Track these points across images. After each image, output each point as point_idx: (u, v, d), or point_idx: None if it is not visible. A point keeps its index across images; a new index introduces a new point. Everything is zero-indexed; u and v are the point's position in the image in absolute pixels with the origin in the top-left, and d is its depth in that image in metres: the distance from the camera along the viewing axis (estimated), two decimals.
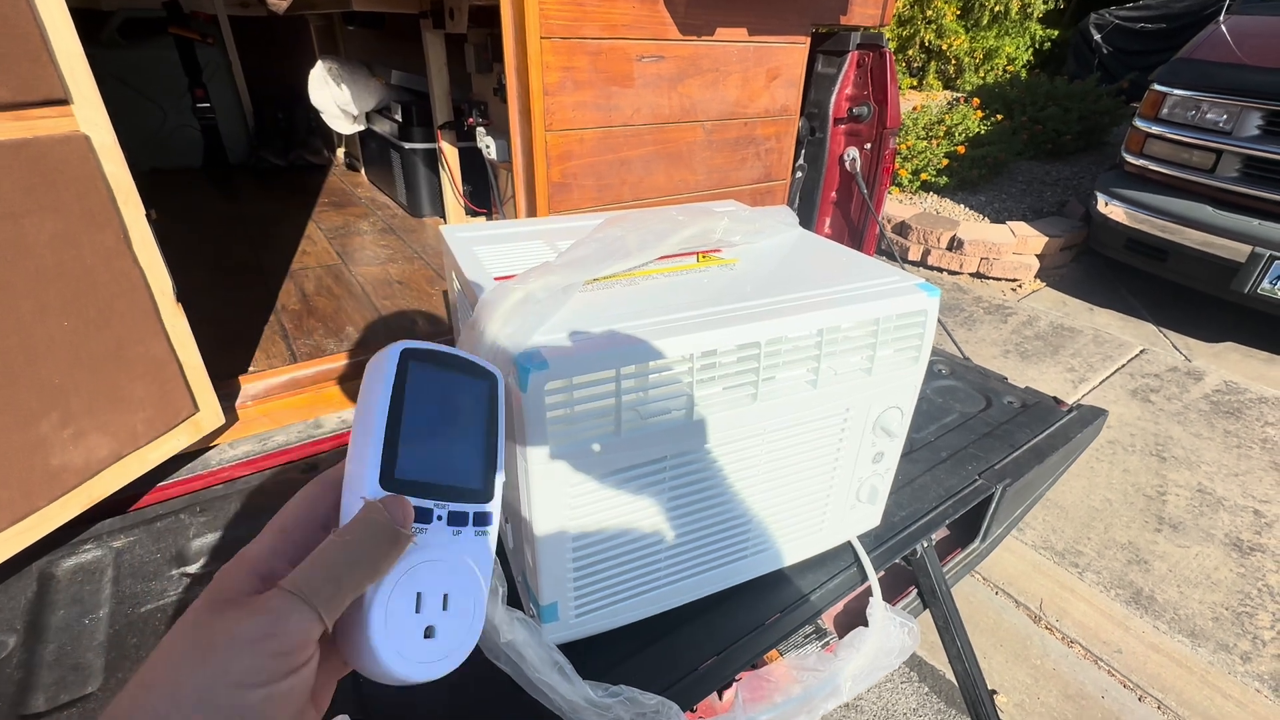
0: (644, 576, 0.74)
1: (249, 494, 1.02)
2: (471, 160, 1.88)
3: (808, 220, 1.76)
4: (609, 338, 0.61)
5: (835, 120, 1.62)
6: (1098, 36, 7.65)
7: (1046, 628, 2.04)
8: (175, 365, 0.92)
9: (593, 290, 0.71)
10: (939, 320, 1.96)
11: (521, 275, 0.63)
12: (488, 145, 1.55)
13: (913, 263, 4.43)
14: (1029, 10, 8.85)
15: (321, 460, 1.10)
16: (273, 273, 1.67)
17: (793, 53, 1.47)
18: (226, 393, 1.10)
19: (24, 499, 0.77)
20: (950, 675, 1.89)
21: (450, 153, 1.86)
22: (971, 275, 4.26)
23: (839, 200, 1.74)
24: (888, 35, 8.76)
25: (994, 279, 4.21)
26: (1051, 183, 5.16)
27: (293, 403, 1.15)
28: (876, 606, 0.82)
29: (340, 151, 3.00)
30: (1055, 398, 1.33)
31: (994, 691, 1.87)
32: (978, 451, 1.15)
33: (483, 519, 0.38)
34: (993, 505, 1.09)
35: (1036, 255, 4.13)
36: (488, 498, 0.39)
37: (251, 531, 0.94)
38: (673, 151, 1.40)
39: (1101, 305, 3.91)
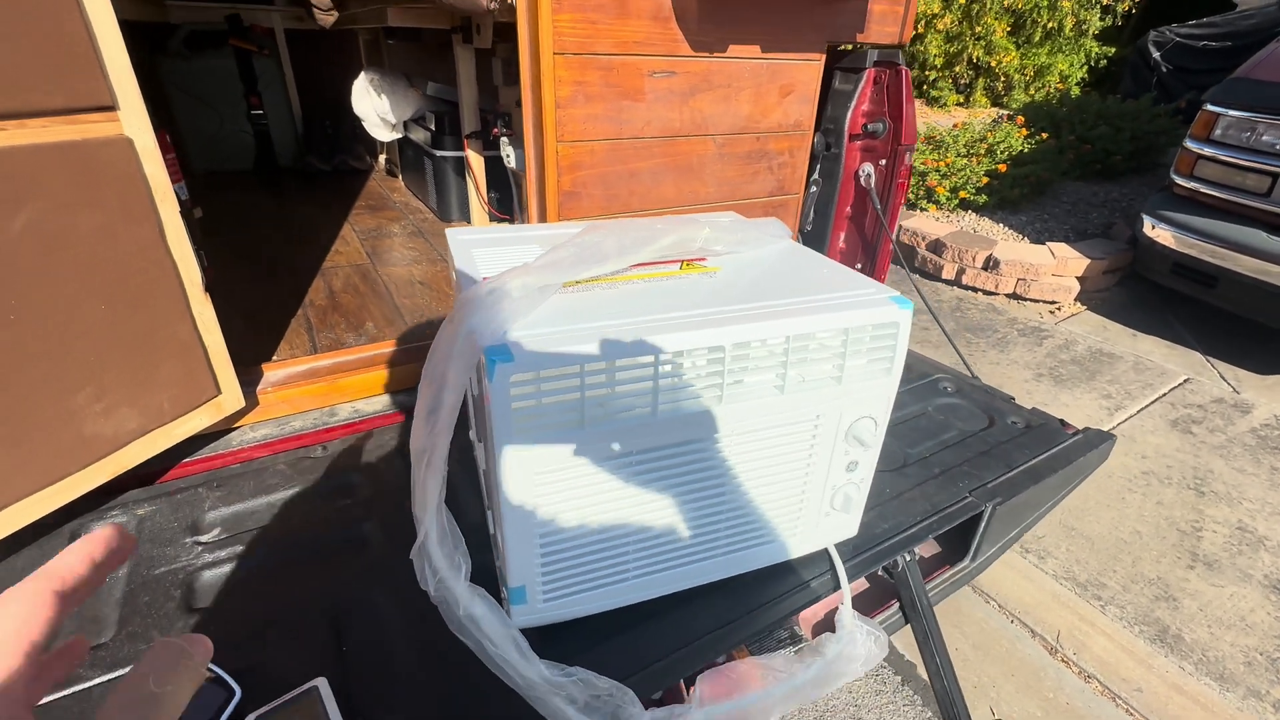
0: (612, 568, 0.78)
1: (263, 473, 1.09)
2: (497, 168, 1.96)
3: (822, 234, 1.77)
4: (577, 335, 0.65)
5: (851, 136, 1.64)
6: (1157, 54, 7.37)
7: (1063, 660, 1.98)
8: (200, 350, 1.00)
9: (573, 292, 0.75)
10: (948, 338, 1.92)
11: (499, 274, 0.68)
12: (509, 154, 1.62)
13: (946, 281, 4.35)
14: (1084, 27, 8.61)
15: (332, 444, 1.17)
16: (305, 269, 1.77)
17: (807, 69, 1.50)
18: (249, 378, 1.18)
19: (57, 463, 0.85)
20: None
21: (476, 161, 1.95)
22: (1008, 296, 4.16)
23: (854, 215, 1.75)
24: (934, 52, 8.57)
25: (1031, 300, 4.09)
26: (1099, 204, 5.00)
27: (310, 390, 1.23)
28: (845, 613, 0.83)
29: (381, 158, 3.15)
30: (1062, 420, 1.31)
31: None
32: (972, 469, 1.14)
33: None
34: (983, 523, 1.08)
35: (1077, 277, 4.01)
36: None
37: (261, 505, 1.01)
38: (683, 164, 1.43)
39: (1146, 331, 3.77)
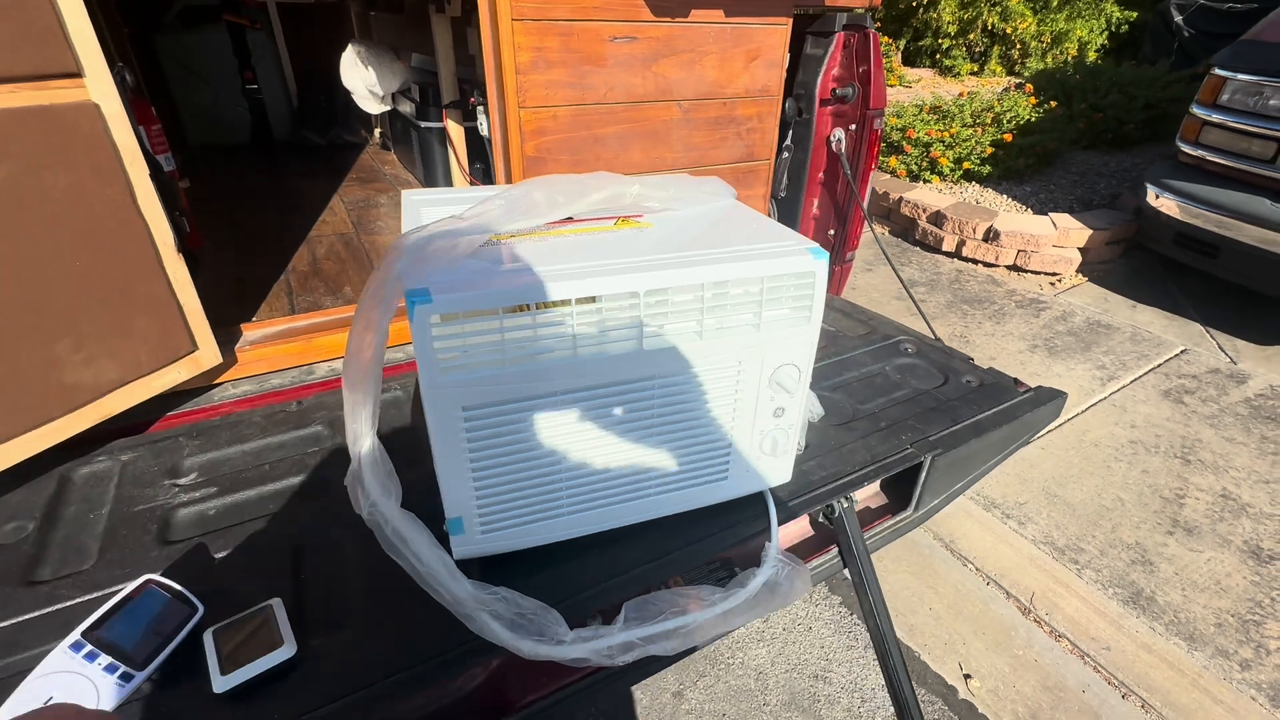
0: (546, 503, 0.83)
1: (240, 425, 1.16)
2: (479, 138, 1.99)
3: (795, 199, 1.79)
4: (498, 280, 0.70)
5: (821, 101, 1.64)
6: (1179, 18, 7.11)
7: (1035, 620, 2.02)
8: (175, 306, 1.06)
9: (502, 244, 0.80)
10: (914, 302, 1.94)
11: (429, 225, 0.72)
12: (482, 123, 1.65)
13: (947, 254, 4.32)
14: None
15: (307, 400, 1.24)
16: (291, 238, 1.83)
17: (773, 34, 1.50)
18: (228, 337, 1.25)
19: (42, 408, 0.92)
20: (925, 656, 1.92)
21: (456, 131, 1.98)
22: (1008, 268, 4.12)
23: (826, 181, 1.76)
24: (947, 19, 8.29)
25: (1032, 272, 4.06)
26: (1108, 174, 4.91)
27: (287, 349, 1.29)
28: (771, 549, 0.89)
29: (376, 131, 3.19)
30: (1015, 379, 1.33)
31: (967, 675, 1.87)
32: (917, 424, 1.18)
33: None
34: (923, 474, 1.12)
35: (1079, 249, 3.97)
36: None
37: (235, 454, 1.07)
38: (648, 129, 1.46)
39: (1146, 303, 3.74)
